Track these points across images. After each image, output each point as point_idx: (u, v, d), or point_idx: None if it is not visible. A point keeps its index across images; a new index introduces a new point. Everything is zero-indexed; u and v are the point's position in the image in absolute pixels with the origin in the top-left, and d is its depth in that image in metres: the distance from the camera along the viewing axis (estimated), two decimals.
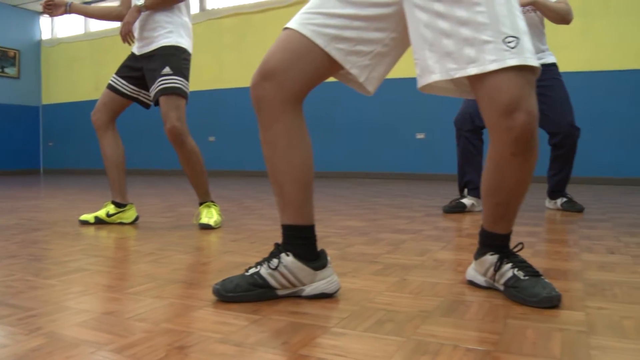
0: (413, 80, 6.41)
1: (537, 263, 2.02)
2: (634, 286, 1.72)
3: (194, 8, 9.26)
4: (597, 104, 6.41)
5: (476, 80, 1.40)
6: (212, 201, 3.18)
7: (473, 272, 1.72)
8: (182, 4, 3.07)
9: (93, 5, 3.41)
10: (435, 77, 1.43)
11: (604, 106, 6.43)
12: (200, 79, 8.45)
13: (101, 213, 3.20)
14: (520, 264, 1.59)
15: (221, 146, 8.78)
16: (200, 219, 3.08)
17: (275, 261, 1.55)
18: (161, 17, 3.00)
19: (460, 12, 1.36)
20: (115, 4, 3.34)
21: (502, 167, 1.48)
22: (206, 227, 3.01)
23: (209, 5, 9.33)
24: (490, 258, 1.63)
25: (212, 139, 8.88)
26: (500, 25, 1.34)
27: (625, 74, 6.40)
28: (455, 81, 1.53)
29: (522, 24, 1.38)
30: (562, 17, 3.39)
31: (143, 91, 3.19)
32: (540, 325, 1.32)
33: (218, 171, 8.70)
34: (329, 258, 1.60)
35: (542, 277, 1.56)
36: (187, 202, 4.54)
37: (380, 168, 7.89)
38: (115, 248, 2.45)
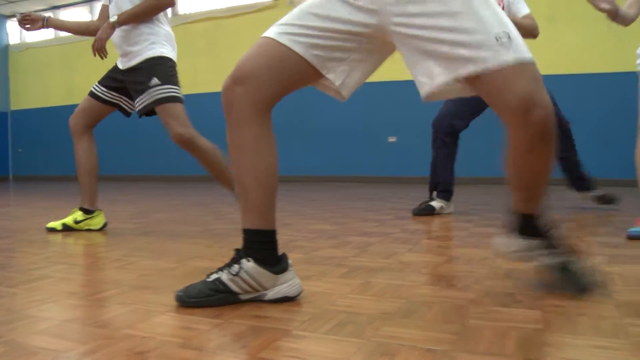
0: (385, 84, 6.49)
1: (500, 263, 2.06)
2: None
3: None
4: (563, 108, 6.50)
5: (477, 80, 1.42)
6: None
7: (503, 244, 1.76)
8: (160, 15, 3.05)
9: (70, 20, 3.39)
10: (440, 79, 1.45)
11: (569, 109, 6.52)
12: None
13: (69, 220, 3.16)
14: (557, 248, 1.66)
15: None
16: None
17: (236, 267, 1.55)
18: (142, 30, 2.99)
19: (445, 22, 1.41)
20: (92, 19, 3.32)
21: (521, 162, 1.54)
22: None
23: (181, 10, 9.30)
24: (526, 242, 1.68)
25: None
26: (488, 26, 1.39)
27: (591, 77, 6.52)
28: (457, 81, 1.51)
29: (509, 23, 1.43)
30: (530, 33, 3.45)
31: (124, 97, 3.18)
32: (497, 325, 1.34)
33: (193, 176, 8.65)
34: (290, 261, 1.61)
35: (579, 260, 1.67)
36: (158, 208, 4.52)
37: (353, 171, 7.92)
38: (81, 255, 2.44)
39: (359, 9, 1.50)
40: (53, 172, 10.53)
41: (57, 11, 10.54)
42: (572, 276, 1.62)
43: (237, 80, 1.52)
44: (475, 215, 3.63)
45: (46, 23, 3.20)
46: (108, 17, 3.16)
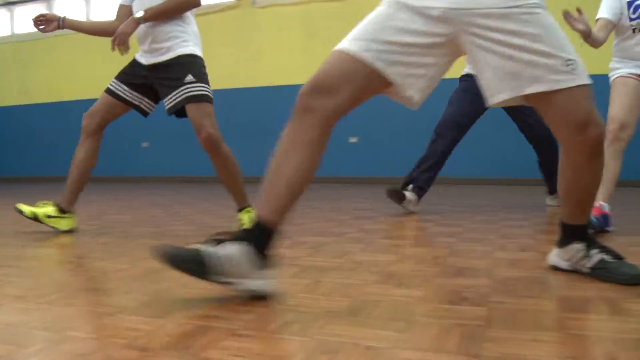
0: None
1: (452, 262, 2.09)
2: (535, 281, 1.81)
3: None
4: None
5: (542, 100, 1.57)
6: (250, 205, 3.10)
7: (557, 258, 1.94)
8: (189, 14, 3.00)
9: (88, 20, 3.28)
10: (503, 96, 1.59)
11: None
12: None
13: (40, 211, 3.07)
14: (605, 248, 1.83)
15: (155, 152, 8.66)
16: (242, 224, 3.00)
17: (229, 246, 1.56)
18: (174, 28, 2.93)
19: (519, 41, 1.52)
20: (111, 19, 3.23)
21: (579, 173, 1.69)
22: None
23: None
24: (577, 246, 1.84)
25: (145, 144, 8.75)
26: (560, 51, 1.52)
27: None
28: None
29: (573, 47, 1.57)
30: None
31: (145, 98, 3.11)
32: (442, 322, 1.37)
33: (152, 177, 8.58)
34: (277, 268, 1.65)
35: (625, 260, 1.79)
36: (115, 209, 4.46)
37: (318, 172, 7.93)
38: (32, 258, 2.40)
39: (433, 18, 1.57)
40: (7, 172, 10.30)
41: (12, 7, 10.32)
42: (618, 268, 1.76)
43: (318, 89, 1.59)
44: (436, 215, 3.67)
45: (62, 24, 3.10)
46: (127, 17, 3.08)
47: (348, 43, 1.62)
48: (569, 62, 1.52)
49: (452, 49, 1.63)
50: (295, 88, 6.85)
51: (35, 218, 3.06)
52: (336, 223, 3.34)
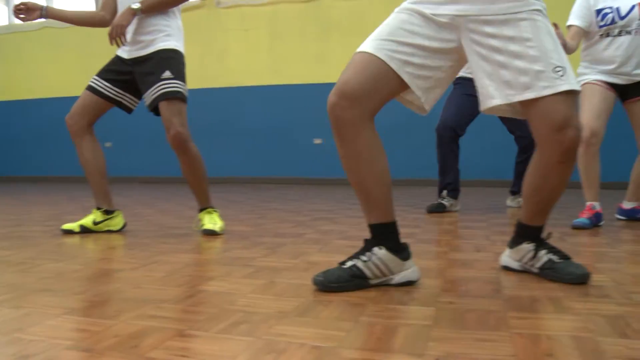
0: (311, 86, 6.52)
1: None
2: (487, 281, 1.83)
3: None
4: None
5: (529, 103, 1.64)
6: (213, 207, 3.09)
7: (508, 259, 2.00)
8: (175, 8, 2.96)
9: (73, 10, 3.17)
10: (496, 101, 1.68)
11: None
12: None
13: (86, 221, 3.04)
14: (553, 249, 1.90)
15: (118, 152, 8.54)
16: (202, 225, 3.00)
17: (368, 254, 1.74)
18: (158, 21, 2.88)
19: (514, 47, 1.61)
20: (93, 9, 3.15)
21: (548, 173, 1.74)
22: (211, 233, 2.93)
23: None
24: (527, 246, 1.91)
25: (108, 144, 8.62)
26: (549, 57, 1.60)
27: None
28: (511, 104, 1.73)
29: (564, 55, 1.65)
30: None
31: (128, 94, 3.05)
32: (389, 322, 1.38)
33: (115, 178, 8.46)
34: (410, 251, 1.81)
35: (572, 260, 1.87)
36: (75, 210, 4.40)
37: (279, 173, 7.93)
38: None
39: (442, 25, 1.68)
40: None
41: None
42: (565, 268, 1.82)
43: (345, 96, 1.66)
44: (397, 216, 3.69)
45: (45, 12, 3.01)
46: (114, 8, 3.05)
47: (365, 45, 1.72)
48: (558, 69, 1.61)
49: (459, 54, 1.73)
50: (261, 88, 6.95)
51: (85, 230, 3.03)
52: (295, 224, 3.35)
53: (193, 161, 2.93)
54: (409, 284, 1.77)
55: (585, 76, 3.27)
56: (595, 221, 3.16)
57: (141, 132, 8.24)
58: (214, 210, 3.08)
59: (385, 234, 1.77)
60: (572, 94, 1.63)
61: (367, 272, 1.72)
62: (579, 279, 1.77)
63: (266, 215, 3.88)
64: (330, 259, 2.20)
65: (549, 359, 1.13)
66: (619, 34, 3.15)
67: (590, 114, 3.14)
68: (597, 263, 2.13)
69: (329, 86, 5.61)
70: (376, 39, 1.70)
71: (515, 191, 4.35)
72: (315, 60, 7.65)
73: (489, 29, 1.64)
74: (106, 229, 3.08)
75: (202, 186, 3.03)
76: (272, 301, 1.58)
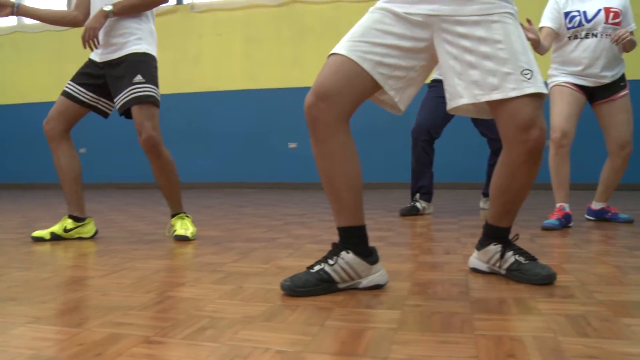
0: (285, 90, 6.53)
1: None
2: (455, 283, 1.85)
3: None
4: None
5: (497, 104, 1.68)
6: (185, 212, 3.08)
7: (476, 260, 2.03)
8: (148, 12, 2.94)
9: (44, 8, 3.12)
10: (464, 100, 1.71)
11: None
12: None
13: (57, 228, 3.00)
14: (520, 250, 1.93)
15: (93, 158, 8.47)
16: (174, 230, 2.98)
17: (335, 258, 1.75)
18: (130, 24, 2.86)
19: (484, 48, 1.65)
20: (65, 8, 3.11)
21: (513, 173, 1.78)
22: (183, 239, 2.91)
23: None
24: (494, 247, 1.94)
25: (83, 150, 8.54)
26: (517, 60, 1.64)
27: None
28: (476, 104, 1.77)
29: (533, 58, 1.69)
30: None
31: (103, 99, 3.03)
32: (355, 326, 1.39)
33: (90, 184, 8.38)
34: (378, 254, 1.82)
35: (538, 261, 1.89)
36: (46, 217, 4.35)
37: (253, 178, 7.92)
38: None
39: (414, 24, 1.70)
40: None
41: None
42: (531, 269, 1.85)
43: (320, 97, 1.68)
44: (370, 220, 3.71)
45: (16, 10, 2.95)
46: (87, 8, 3.02)
47: (339, 46, 1.74)
48: (526, 72, 1.64)
49: (431, 54, 1.76)
50: (235, 93, 6.92)
51: (56, 237, 3.00)
52: (267, 229, 3.34)
53: (165, 165, 2.92)
54: (377, 287, 1.78)
55: (555, 78, 3.36)
56: (565, 222, 3.22)
57: (116, 137, 8.18)
58: (186, 216, 3.07)
59: (353, 238, 1.77)
60: (538, 96, 1.67)
61: (335, 276, 1.73)
62: (545, 280, 1.81)
63: (240, 220, 3.87)
64: (300, 263, 2.20)
65: (510, 359, 1.15)
66: (586, 37, 3.23)
67: (560, 116, 3.23)
68: (565, 264, 2.16)
69: (303, 90, 5.73)
70: (349, 40, 1.73)
71: (488, 193, 4.36)
72: (290, 65, 7.66)
73: (460, 29, 1.67)
74: (77, 236, 3.05)
75: (174, 191, 3.02)
76: (239, 306, 1.58)
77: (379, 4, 1.76)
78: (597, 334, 1.30)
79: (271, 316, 1.48)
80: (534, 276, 1.82)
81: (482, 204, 4.50)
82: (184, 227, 2.99)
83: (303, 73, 7.54)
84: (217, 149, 8.01)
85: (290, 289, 1.70)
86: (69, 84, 3.00)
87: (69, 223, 3.03)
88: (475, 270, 2.03)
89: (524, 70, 1.64)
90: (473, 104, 1.76)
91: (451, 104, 1.76)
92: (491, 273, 1.98)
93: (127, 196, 6.61)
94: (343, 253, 1.75)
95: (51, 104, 3.03)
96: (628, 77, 3.37)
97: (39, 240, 2.98)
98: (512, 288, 1.77)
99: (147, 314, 1.52)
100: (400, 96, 1.77)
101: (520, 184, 1.80)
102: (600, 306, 1.54)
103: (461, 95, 1.71)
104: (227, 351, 1.21)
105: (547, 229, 3.15)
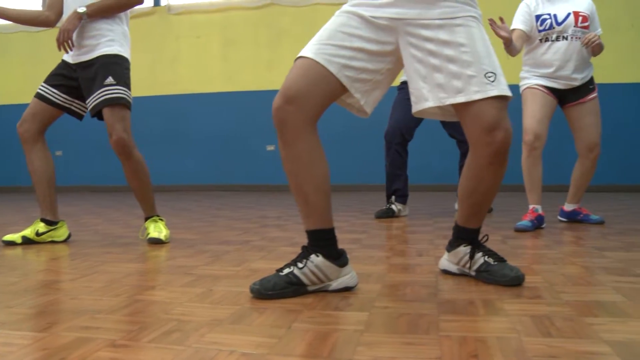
0: (262, 93, 6.53)
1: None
2: (424, 285, 1.87)
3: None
4: None
5: (462, 106, 1.70)
6: (158, 215, 3.07)
7: (446, 262, 2.06)
8: (122, 14, 2.93)
9: (17, 8, 3.12)
10: (429, 103, 1.73)
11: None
12: None
13: (29, 232, 2.96)
14: (489, 252, 1.96)
15: (69, 160, 8.40)
16: (148, 233, 2.97)
17: (304, 262, 1.76)
18: (102, 25, 2.85)
19: (448, 51, 1.67)
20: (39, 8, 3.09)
21: (480, 174, 1.79)
22: (157, 242, 2.90)
23: None
24: (464, 249, 1.97)
25: (59, 153, 8.46)
26: (481, 63, 1.67)
27: None
28: (442, 107, 1.80)
29: (497, 61, 1.72)
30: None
31: (76, 101, 3.01)
32: (322, 327, 1.40)
33: (66, 187, 8.31)
34: (347, 257, 1.83)
35: (507, 262, 1.93)
36: (16, 221, 4.30)
37: (231, 180, 7.89)
38: None
39: (380, 27, 1.72)
40: None
41: None
42: (500, 270, 1.87)
43: (288, 100, 1.69)
44: (345, 222, 3.73)
45: None
46: (60, 8, 3.00)
47: (306, 49, 1.75)
48: (489, 75, 1.67)
49: (397, 57, 1.78)
50: (213, 95, 6.91)
51: (28, 240, 2.96)
52: (242, 231, 3.34)
53: (136, 167, 2.91)
54: (347, 289, 1.79)
55: (527, 80, 3.41)
56: (538, 224, 3.27)
57: (92, 140, 8.11)
58: (160, 219, 3.06)
59: (322, 241, 1.78)
60: (502, 99, 1.69)
61: (304, 279, 1.74)
62: (513, 281, 1.83)
63: (215, 222, 3.87)
64: (272, 265, 2.20)
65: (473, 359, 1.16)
66: (557, 39, 3.29)
67: (533, 119, 3.28)
68: (534, 264, 2.18)
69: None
70: (316, 43, 1.74)
71: None
72: (267, 67, 7.65)
73: (425, 33, 1.69)
74: (50, 239, 3.02)
75: (147, 194, 3.01)
76: (207, 309, 1.58)
77: (345, 8, 1.78)
78: (559, 333, 1.32)
79: (239, 319, 1.48)
80: (502, 277, 1.84)
81: (456, 206, 4.50)
82: (157, 229, 2.98)
83: (281, 76, 7.47)
84: (195, 152, 7.98)
85: (258, 292, 1.70)
86: (43, 85, 2.98)
87: (41, 227, 2.99)
88: (445, 272, 2.05)
89: (487, 73, 1.66)
90: (439, 107, 1.79)
91: (417, 107, 1.78)
92: (461, 275, 2.00)
93: (102, 199, 6.56)
94: (312, 256, 1.76)
95: (24, 106, 3.01)
96: (597, 81, 3.42)
97: (10, 244, 2.94)
98: (481, 289, 1.79)
99: (114, 318, 1.51)
100: (367, 99, 1.79)
101: (487, 186, 1.82)
102: (566, 306, 1.57)
103: (426, 98, 1.73)
104: (192, 354, 1.21)
105: (520, 230, 3.20)
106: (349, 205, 5.15)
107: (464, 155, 4.20)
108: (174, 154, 7.95)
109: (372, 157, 6.97)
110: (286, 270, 1.75)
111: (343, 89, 1.75)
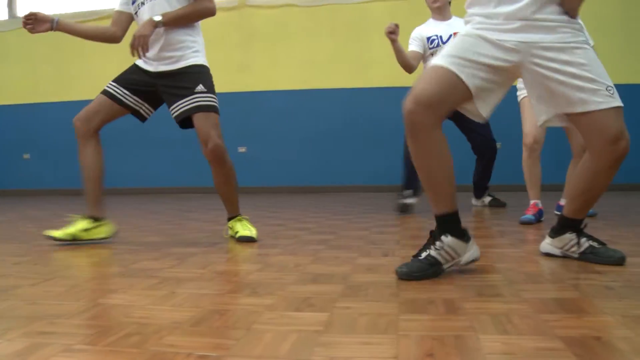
0: (234, 95, 6.52)
1: (312, 269, 2.14)
2: (386, 285, 1.87)
3: (2, 14, 8.65)
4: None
5: (583, 117, 1.97)
6: (241, 215, 3.11)
7: (549, 246, 2.33)
8: (198, 23, 2.98)
9: (84, 24, 3.16)
10: (555, 110, 2.03)
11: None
12: (12, 93, 7.95)
13: (74, 230, 2.92)
14: (592, 237, 2.25)
15: (37, 164, 8.29)
16: (237, 232, 2.99)
17: (438, 243, 2.00)
18: (186, 37, 2.91)
19: (571, 69, 1.93)
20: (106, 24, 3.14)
21: (597, 177, 2.06)
22: (249, 240, 2.93)
23: (19, 13, 8.76)
24: (569, 236, 2.24)
25: (27, 156, 8.36)
26: (601, 79, 1.94)
27: None
28: (560, 117, 2.06)
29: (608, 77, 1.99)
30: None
31: (146, 104, 3.07)
32: (281, 328, 1.40)
33: (34, 190, 8.20)
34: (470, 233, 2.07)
35: (608, 245, 2.22)
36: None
37: (202, 182, 7.80)
38: None
39: (506, 48, 1.97)
40: None
41: None
42: (605, 252, 2.17)
43: (420, 103, 1.90)
44: (314, 223, 3.74)
45: (56, 25, 2.92)
46: (125, 25, 3.07)
47: (439, 59, 1.98)
48: (609, 88, 1.94)
49: (513, 72, 2.03)
50: None
51: (73, 239, 2.92)
52: (209, 233, 3.33)
53: (229, 173, 3.02)
54: (474, 261, 2.06)
55: (524, 91, 3.70)
56: (539, 217, 3.60)
57: (60, 143, 8.00)
58: (244, 218, 3.11)
59: (450, 223, 2.01)
60: (620, 109, 1.95)
61: (440, 259, 1.99)
62: (619, 261, 2.12)
63: (184, 225, 3.85)
64: (237, 268, 2.21)
65: (429, 358, 1.17)
66: None
67: (532, 124, 3.57)
68: (497, 263, 2.21)
69: (253, 94, 5.76)
70: (448, 55, 1.97)
71: (478, 194, 4.85)
72: (238, 69, 7.63)
73: (548, 54, 1.95)
74: (94, 237, 2.98)
75: (234, 196, 3.08)
76: (168, 312, 1.57)
77: (470, 30, 2.03)
78: (516, 330, 1.34)
79: (199, 321, 1.48)
80: (608, 258, 2.13)
81: (473, 201, 4.91)
82: (246, 228, 3.02)
83: (251, 78, 7.53)
84: (166, 154, 7.92)
85: (408, 274, 1.94)
86: (112, 85, 3.02)
87: (86, 224, 2.97)
88: (547, 255, 2.33)
89: (607, 87, 1.93)
90: (557, 117, 2.06)
91: (541, 118, 2.09)
92: (564, 257, 2.27)
93: (72, 202, 6.48)
94: (443, 237, 2.00)
95: (25, 105, 2.97)
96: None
97: (53, 239, 2.91)
98: (441, 289, 1.80)
99: (73, 322, 1.50)
100: (488, 107, 2.02)
101: (602, 185, 2.09)
102: (524, 304, 1.59)
103: (554, 106, 2.02)
104: (150, 357, 1.20)
105: (524, 223, 3.50)
106: (318, 207, 5.15)
107: (479, 154, 4.55)
108: (144, 157, 7.89)
109: (345, 160, 6.99)
110: (424, 254, 1.99)
111: (468, 97, 1.97)
